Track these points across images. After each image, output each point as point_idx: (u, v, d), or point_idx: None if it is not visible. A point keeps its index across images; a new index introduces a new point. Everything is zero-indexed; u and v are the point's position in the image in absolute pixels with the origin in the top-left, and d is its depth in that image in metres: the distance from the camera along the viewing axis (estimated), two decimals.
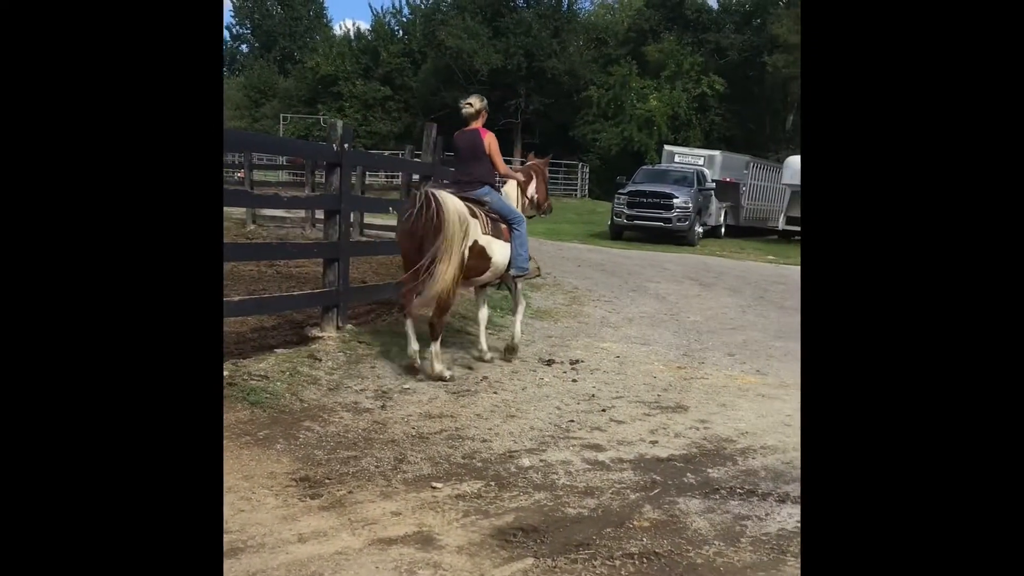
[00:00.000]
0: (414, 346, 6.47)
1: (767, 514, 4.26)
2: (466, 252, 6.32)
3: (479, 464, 4.71)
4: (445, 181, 7.67)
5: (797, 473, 4.93)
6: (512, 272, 7.09)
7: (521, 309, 7.69)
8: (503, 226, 6.89)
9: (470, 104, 7.06)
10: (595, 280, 13.35)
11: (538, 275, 7.89)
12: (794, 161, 30.80)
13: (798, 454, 5.29)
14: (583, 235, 24.50)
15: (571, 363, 7.44)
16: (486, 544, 3.70)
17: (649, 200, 22.89)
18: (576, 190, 40.54)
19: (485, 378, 6.63)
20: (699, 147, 34.51)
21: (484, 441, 5.11)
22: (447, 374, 6.41)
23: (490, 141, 6.97)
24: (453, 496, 4.21)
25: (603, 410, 6.02)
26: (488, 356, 7.22)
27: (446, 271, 6.09)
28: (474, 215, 6.50)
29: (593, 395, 6.40)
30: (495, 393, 6.24)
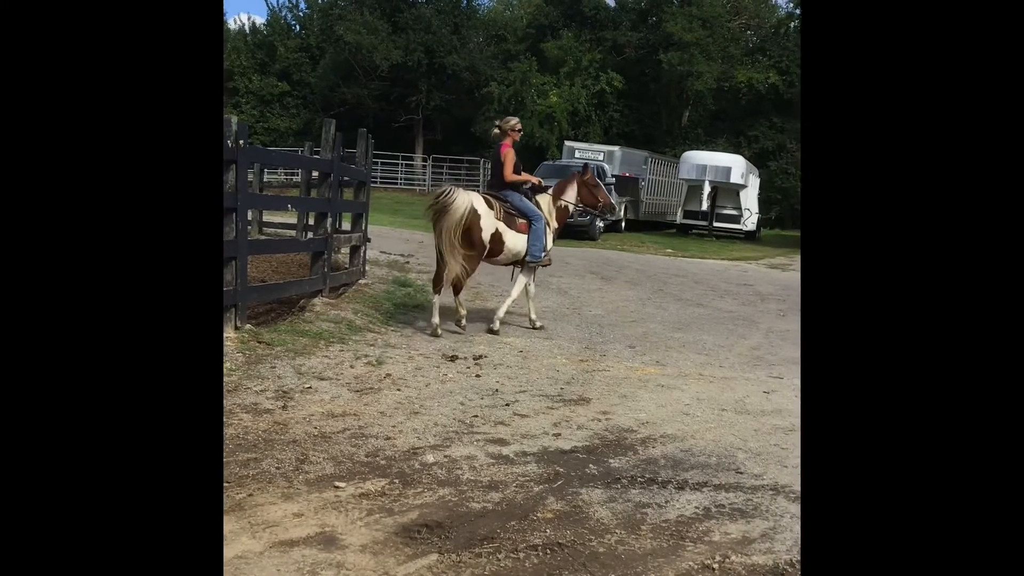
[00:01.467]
0: (436, 319, 8.37)
1: (667, 501, 4.36)
2: (484, 237, 8.29)
3: (383, 462, 4.68)
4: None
5: (695, 460, 5.06)
6: (528, 259, 8.82)
7: (515, 292, 9.10)
8: (521, 220, 8.67)
9: (497, 126, 9.09)
10: (497, 275, 13.35)
11: (548, 263, 9.32)
12: (690, 156, 31.52)
13: (696, 442, 5.43)
14: None
15: (474, 358, 7.45)
16: (390, 542, 3.68)
17: None
18: (479, 186, 40.54)
19: (388, 375, 6.59)
20: (599, 143, 34.97)
21: (388, 439, 5.08)
22: (464, 323, 8.72)
23: (504, 154, 8.77)
24: (356, 495, 4.17)
25: (507, 404, 6.05)
26: (496, 327, 8.75)
27: (452, 261, 8.08)
28: (490, 206, 8.34)
29: (497, 390, 6.43)
30: (399, 390, 6.21)
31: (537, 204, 8.92)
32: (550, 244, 9.04)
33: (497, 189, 8.78)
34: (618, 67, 43.43)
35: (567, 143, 32.58)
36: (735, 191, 30.43)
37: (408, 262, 13.55)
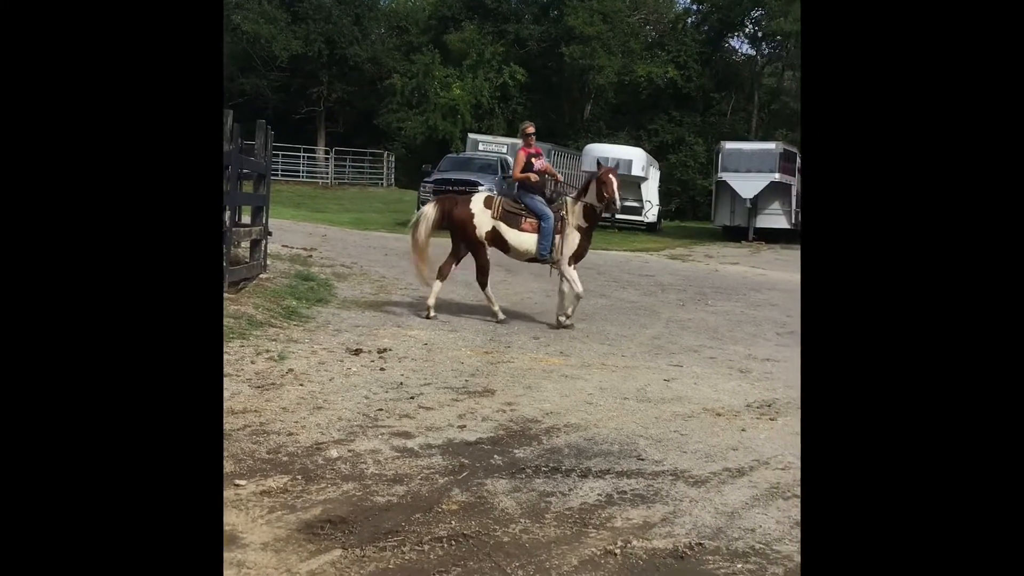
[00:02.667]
0: (432, 301, 9.41)
1: (570, 489, 4.42)
2: (479, 234, 9.43)
3: (285, 458, 4.61)
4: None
5: (598, 449, 5.14)
6: (537, 256, 9.52)
7: (566, 291, 9.54)
8: (530, 220, 9.42)
9: (521, 131, 10.17)
10: (402, 268, 13.30)
11: (553, 261, 9.55)
12: (592, 149, 31.86)
13: (599, 430, 5.52)
14: (389, 224, 24.36)
15: (379, 352, 7.40)
16: (292, 539, 3.63)
17: (454, 188, 23.01)
18: (382, 179, 40.26)
19: (291, 371, 6.48)
20: (502, 136, 35.06)
21: (290, 435, 5.01)
22: (500, 315, 9.51)
23: (516, 157, 10.02)
24: (258, 493, 4.10)
25: (411, 397, 6.03)
26: (563, 321, 9.43)
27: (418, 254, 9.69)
28: (488, 206, 9.44)
29: (401, 383, 6.40)
30: (301, 385, 6.12)
31: (565, 204, 9.60)
32: (564, 244, 9.43)
33: (516, 190, 9.98)
34: (521, 60, 43.61)
35: (471, 136, 32.56)
36: (636, 183, 30.90)
37: (311, 256, 13.36)
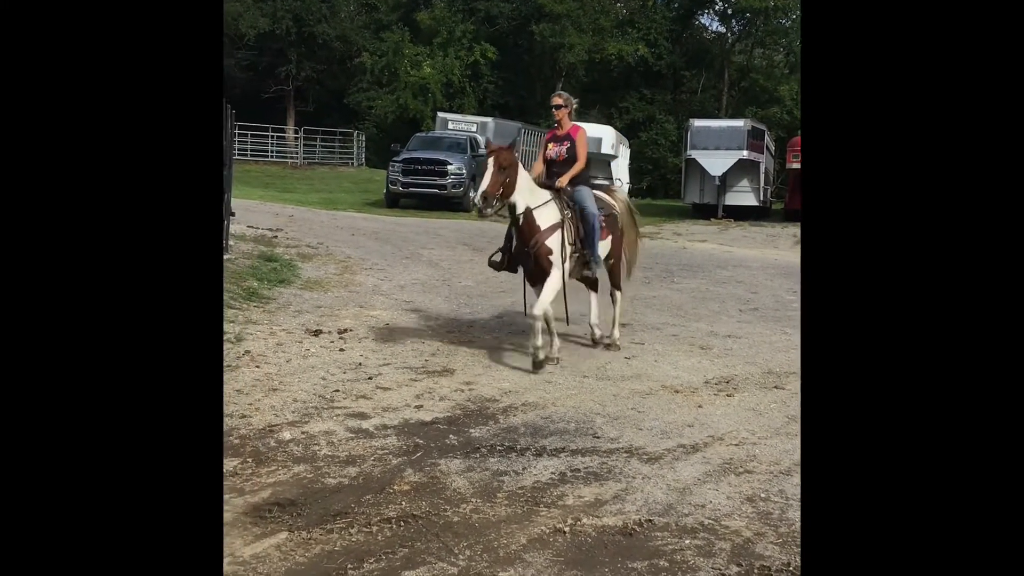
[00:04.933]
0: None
1: (524, 468, 4.41)
2: None
3: (236, 441, 4.56)
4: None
5: (555, 427, 5.14)
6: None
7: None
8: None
9: None
10: (368, 249, 13.24)
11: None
12: None
13: (556, 409, 5.51)
14: (359, 204, 24.20)
15: (339, 332, 7.35)
16: (238, 523, 3.60)
17: (424, 167, 22.88)
18: (352, 159, 39.90)
19: (248, 352, 6.43)
20: (473, 114, 34.87)
21: (243, 417, 4.96)
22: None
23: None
24: None
25: (369, 378, 5.99)
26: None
27: None
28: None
29: (360, 363, 6.36)
30: (257, 367, 6.07)
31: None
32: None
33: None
34: (491, 38, 43.29)
35: (440, 114, 32.31)
36: (606, 161, 30.81)
37: (276, 236, 13.23)
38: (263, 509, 3.74)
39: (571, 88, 46.29)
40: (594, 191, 7.28)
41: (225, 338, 6.74)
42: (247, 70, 42.39)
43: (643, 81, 44.79)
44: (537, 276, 6.64)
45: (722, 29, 47.87)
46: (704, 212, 27.75)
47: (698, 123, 29.27)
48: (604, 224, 7.07)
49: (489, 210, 6.30)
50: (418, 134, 28.20)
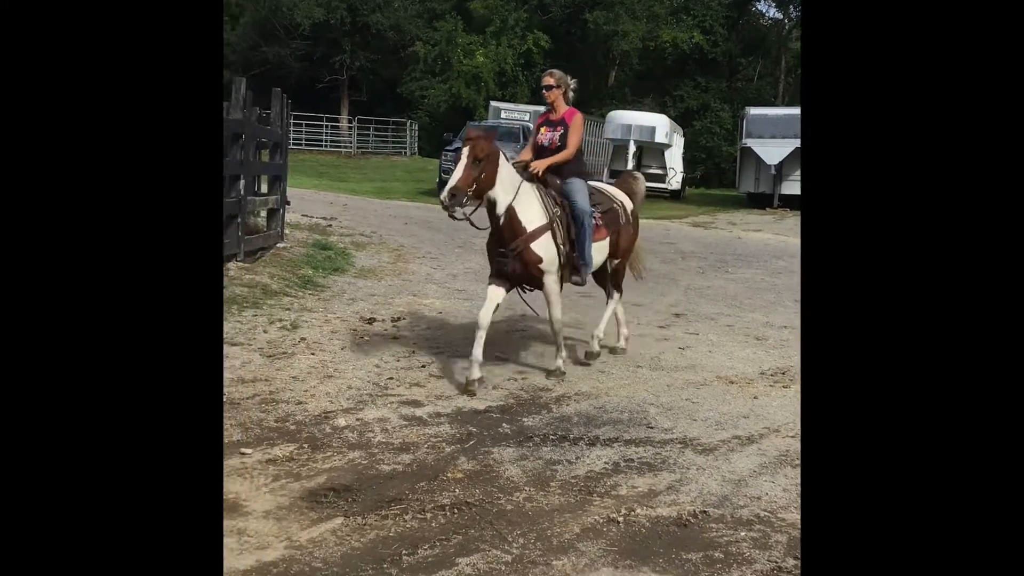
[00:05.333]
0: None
1: (577, 458, 4.40)
2: None
3: (292, 427, 4.62)
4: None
5: (608, 417, 5.11)
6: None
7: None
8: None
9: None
10: (421, 238, 13.30)
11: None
12: (616, 116, 31.57)
13: (610, 398, 5.49)
14: (411, 193, 24.33)
15: (393, 320, 7.40)
16: (295, 507, 3.65)
17: None
18: (405, 148, 40.12)
19: (303, 339, 6.49)
20: (526, 103, 34.82)
21: (299, 403, 5.02)
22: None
23: None
24: (263, 461, 4.11)
25: (423, 366, 6.02)
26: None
27: None
28: None
29: (413, 351, 6.39)
30: (313, 354, 6.13)
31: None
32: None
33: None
34: (544, 26, 43.14)
35: (493, 103, 32.39)
36: (660, 150, 30.62)
37: (331, 225, 13.36)
38: (319, 494, 3.78)
39: (624, 76, 46.05)
40: (594, 183, 6.60)
41: (281, 325, 6.83)
42: (302, 60, 42.84)
43: (698, 69, 44.31)
44: (517, 280, 5.91)
45: (779, 15, 47.12)
46: (759, 201, 27.40)
47: (754, 111, 28.91)
48: (600, 221, 6.17)
49: (459, 210, 5.32)
50: (471, 123, 28.27)
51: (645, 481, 4.14)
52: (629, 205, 6.74)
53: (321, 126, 39.04)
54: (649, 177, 30.95)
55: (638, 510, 3.78)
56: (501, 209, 5.58)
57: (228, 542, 3.27)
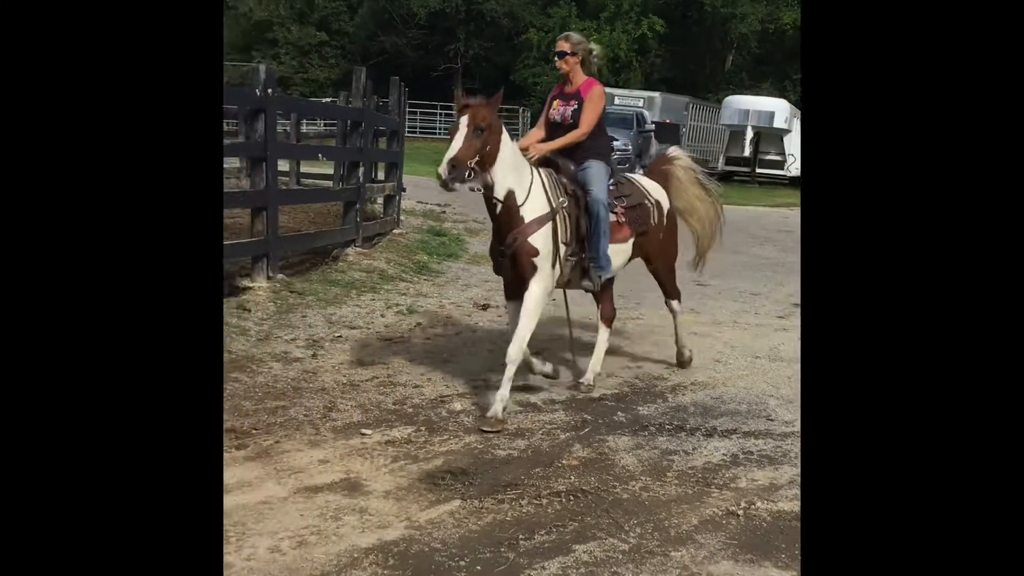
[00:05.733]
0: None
1: (694, 448, 4.33)
2: None
3: (410, 410, 4.69)
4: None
5: (725, 408, 5.02)
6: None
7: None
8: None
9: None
10: None
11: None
12: (733, 101, 30.94)
13: (727, 389, 5.39)
14: None
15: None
16: (413, 488, 3.70)
17: None
18: (517, 134, 40.23)
19: (419, 324, 6.59)
20: (639, 89, 34.46)
21: (416, 387, 5.09)
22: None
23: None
24: (382, 442, 4.19)
25: (537, 352, 6.01)
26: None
27: None
28: None
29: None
30: (428, 339, 6.21)
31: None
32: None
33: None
34: (659, 11, 42.53)
35: (606, 90, 32.13)
36: (779, 136, 29.86)
37: (444, 212, 13.51)
38: (437, 476, 3.83)
39: (742, 60, 45.00)
40: (631, 174, 5.81)
41: (397, 310, 6.96)
42: (418, 49, 43.50)
43: None
44: (515, 286, 4.91)
45: None
46: None
47: None
48: (624, 218, 5.20)
49: (458, 184, 4.50)
50: None
51: (765, 474, 4.04)
52: (665, 204, 5.65)
53: (435, 114, 39.52)
54: (766, 164, 30.29)
55: (759, 504, 3.69)
56: (500, 193, 4.69)
57: (350, 519, 3.35)
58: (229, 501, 3.44)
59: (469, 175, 4.53)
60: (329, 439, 4.17)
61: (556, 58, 5.25)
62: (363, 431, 4.30)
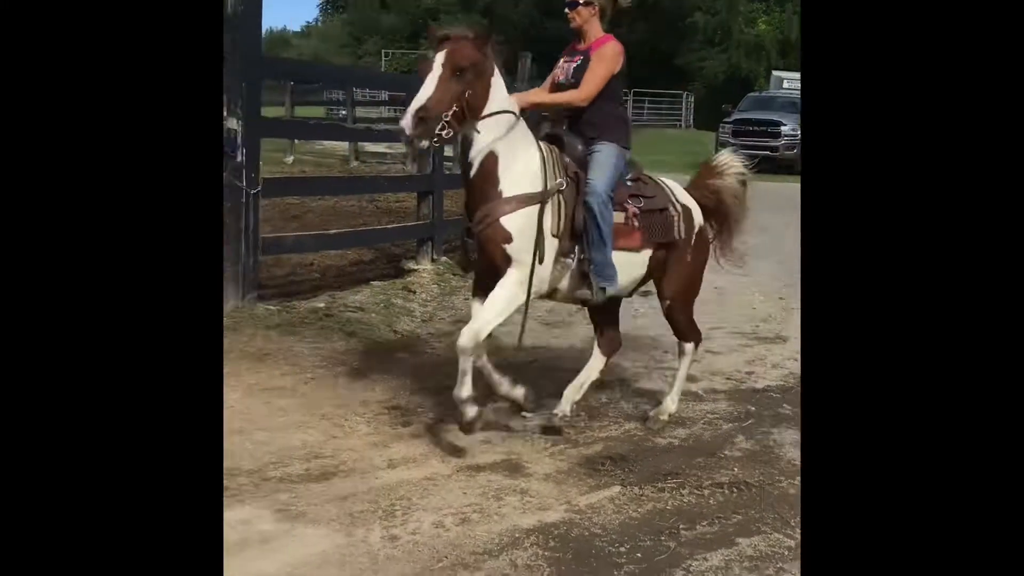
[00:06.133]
0: None
1: None
2: None
3: None
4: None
5: None
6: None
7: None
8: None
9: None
10: None
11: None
12: None
13: None
14: (684, 166, 23.90)
15: None
16: (573, 472, 3.71)
17: (755, 128, 22.15)
18: (680, 120, 39.59)
19: (581, 309, 6.59)
20: None
21: (577, 372, 5.09)
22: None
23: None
24: (542, 426, 4.22)
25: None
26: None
27: None
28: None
29: None
30: (588, 325, 6.19)
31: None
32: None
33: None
34: None
35: (775, 73, 31.16)
36: None
37: None
38: (596, 461, 3.83)
39: None
40: (666, 180, 4.49)
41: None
42: None
43: None
44: (487, 280, 3.90)
45: None
46: None
47: None
48: (636, 223, 4.12)
49: (424, 141, 3.53)
50: (751, 94, 27.40)
51: None
52: (698, 218, 4.44)
53: None
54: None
55: None
56: (476, 153, 3.72)
57: (511, 500, 3.40)
58: (394, 476, 3.57)
59: (444, 131, 3.54)
60: (491, 420, 4.23)
61: (567, 8, 4.08)
62: (524, 414, 4.34)
